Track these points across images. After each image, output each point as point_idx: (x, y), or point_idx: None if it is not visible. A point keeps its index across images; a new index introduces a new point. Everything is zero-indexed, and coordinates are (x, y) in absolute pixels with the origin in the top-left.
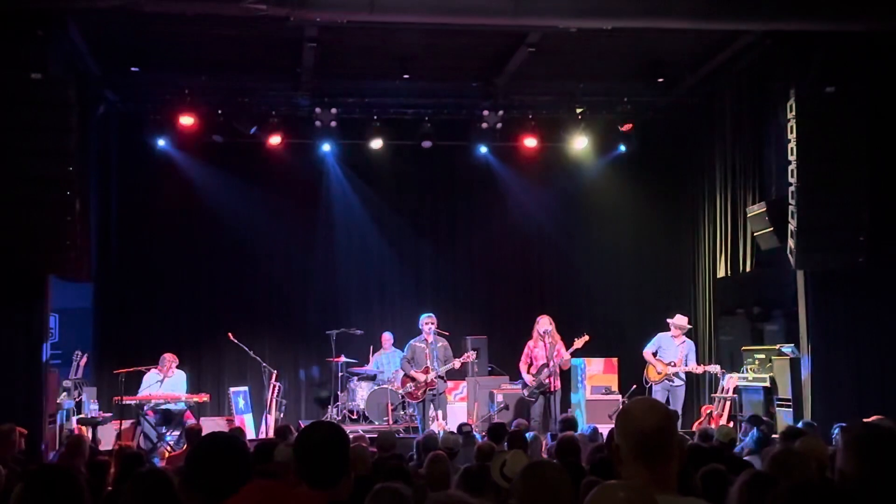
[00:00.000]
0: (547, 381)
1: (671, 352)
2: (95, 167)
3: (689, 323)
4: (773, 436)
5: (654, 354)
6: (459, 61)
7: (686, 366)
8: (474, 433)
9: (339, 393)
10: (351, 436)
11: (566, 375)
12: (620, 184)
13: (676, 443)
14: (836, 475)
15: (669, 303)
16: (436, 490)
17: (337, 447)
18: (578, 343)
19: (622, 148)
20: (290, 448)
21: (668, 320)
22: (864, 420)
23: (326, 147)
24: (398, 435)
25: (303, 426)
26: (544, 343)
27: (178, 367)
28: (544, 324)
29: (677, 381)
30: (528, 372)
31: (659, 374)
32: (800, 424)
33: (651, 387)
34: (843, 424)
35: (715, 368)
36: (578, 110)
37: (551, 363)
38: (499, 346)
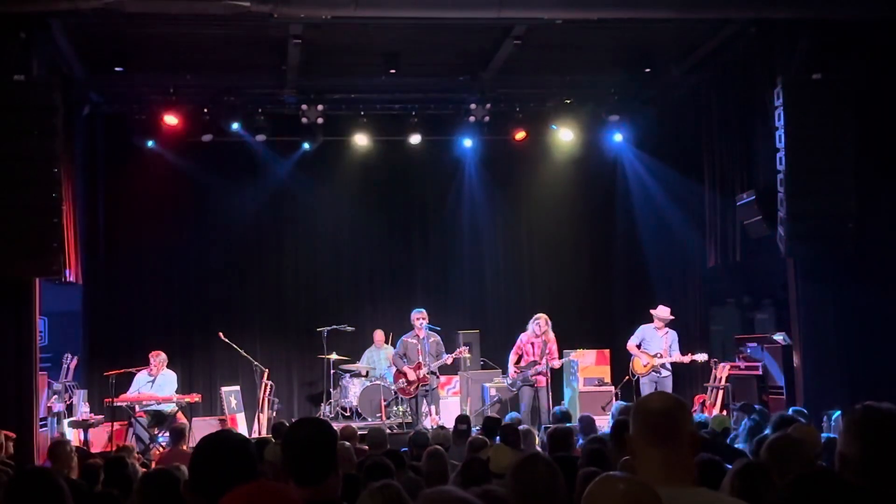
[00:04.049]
0: (534, 378)
1: (655, 343)
2: (81, 169)
3: (672, 314)
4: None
5: (638, 347)
6: (445, 56)
7: (671, 356)
8: (472, 429)
9: (331, 390)
10: (339, 428)
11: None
12: (609, 175)
13: (687, 430)
14: (837, 458)
15: (660, 293)
16: (433, 485)
17: (323, 444)
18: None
19: (617, 139)
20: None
21: (651, 311)
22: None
23: (313, 144)
24: (390, 431)
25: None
26: (539, 341)
27: (169, 366)
28: (543, 324)
29: (664, 372)
30: (516, 364)
31: (645, 366)
32: (790, 412)
33: (638, 379)
34: (831, 412)
35: (702, 357)
36: (566, 102)
37: (542, 362)
38: (491, 340)
